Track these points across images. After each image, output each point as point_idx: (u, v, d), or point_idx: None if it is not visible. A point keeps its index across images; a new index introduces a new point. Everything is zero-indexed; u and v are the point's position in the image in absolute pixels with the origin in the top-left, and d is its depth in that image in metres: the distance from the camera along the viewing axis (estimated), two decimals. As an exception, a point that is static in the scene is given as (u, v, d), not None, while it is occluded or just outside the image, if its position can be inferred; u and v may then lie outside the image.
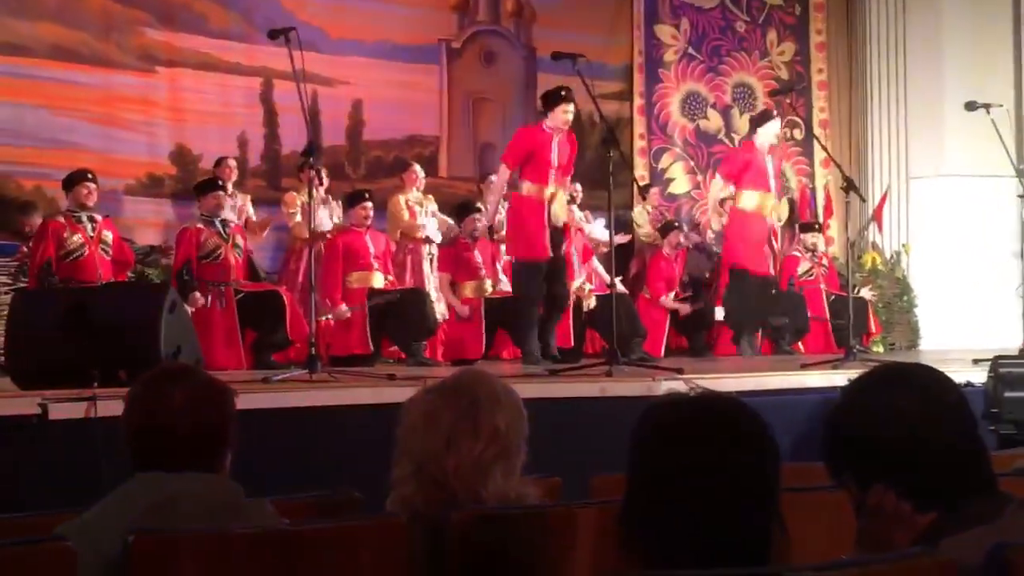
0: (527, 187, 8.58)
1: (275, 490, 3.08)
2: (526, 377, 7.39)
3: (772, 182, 10.05)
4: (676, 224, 11.96)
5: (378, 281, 9.60)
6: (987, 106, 9.41)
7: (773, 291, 10.32)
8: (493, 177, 10.42)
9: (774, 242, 10.26)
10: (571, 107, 8.48)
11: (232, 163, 10.30)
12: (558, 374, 7.56)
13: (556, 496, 3.30)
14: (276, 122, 11.22)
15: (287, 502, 3.06)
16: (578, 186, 10.63)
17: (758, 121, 10.25)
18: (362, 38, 11.83)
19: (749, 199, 9.99)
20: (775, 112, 10.78)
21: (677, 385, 6.75)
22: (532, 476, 2.83)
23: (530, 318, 8.59)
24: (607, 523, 2.70)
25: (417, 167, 10.65)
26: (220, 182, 9.45)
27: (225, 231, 9.12)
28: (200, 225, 9.06)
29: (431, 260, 10.31)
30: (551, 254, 8.48)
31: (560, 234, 8.62)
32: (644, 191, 11.89)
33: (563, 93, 8.49)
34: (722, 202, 10.48)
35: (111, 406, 5.04)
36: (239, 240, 9.20)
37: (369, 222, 9.64)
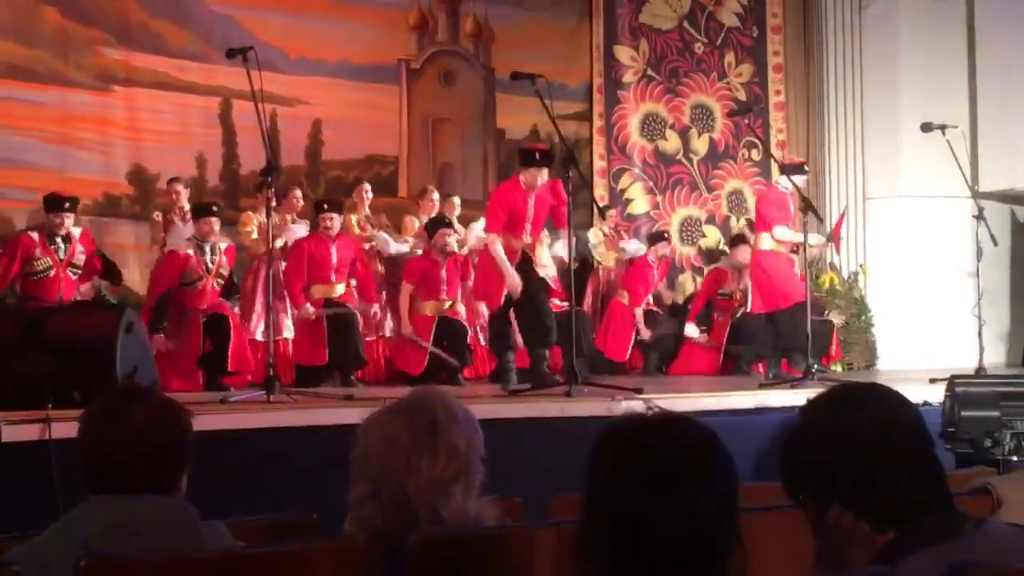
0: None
1: (231, 512, 3.05)
2: (486, 397, 7.38)
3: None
4: (666, 236, 12.03)
5: (339, 291, 9.57)
6: (942, 127, 9.49)
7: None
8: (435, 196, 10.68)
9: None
10: (544, 173, 8.21)
11: (180, 187, 10.00)
12: (517, 394, 7.55)
13: (517, 516, 3.29)
14: (235, 142, 11.18)
15: (243, 524, 3.03)
16: None
17: (792, 170, 9.82)
18: (321, 58, 11.82)
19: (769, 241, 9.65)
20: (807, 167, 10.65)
21: (636, 405, 6.76)
22: (492, 496, 2.81)
23: (505, 364, 8.56)
24: (566, 543, 2.69)
25: (367, 185, 10.63)
26: (215, 207, 9.34)
27: (212, 260, 9.07)
28: (189, 251, 9.02)
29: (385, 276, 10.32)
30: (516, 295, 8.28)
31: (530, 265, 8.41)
32: (603, 211, 11.93)
33: (538, 156, 8.32)
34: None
35: (65, 428, 4.98)
36: (224, 268, 9.17)
37: (332, 232, 9.58)
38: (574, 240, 7.99)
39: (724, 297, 11.66)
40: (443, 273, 9.86)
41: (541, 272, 8.35)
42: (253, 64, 6.91)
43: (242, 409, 6.30)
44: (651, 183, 13.44)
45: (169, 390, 7.80)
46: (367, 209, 10.58)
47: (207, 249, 9.08)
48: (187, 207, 9.76)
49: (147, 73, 10.92)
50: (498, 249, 8.25)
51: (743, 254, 10.92)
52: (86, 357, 5.96)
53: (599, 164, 13.25)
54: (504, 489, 2.94)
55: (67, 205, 8.49)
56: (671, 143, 13.59)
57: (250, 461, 5.62)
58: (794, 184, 9.16)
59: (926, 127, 9.65)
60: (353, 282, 9.71)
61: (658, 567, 1.85)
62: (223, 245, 9.19)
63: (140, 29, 10.99)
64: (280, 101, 11.05)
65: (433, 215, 10.36)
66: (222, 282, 9.14)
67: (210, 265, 9.06)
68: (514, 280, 8.19)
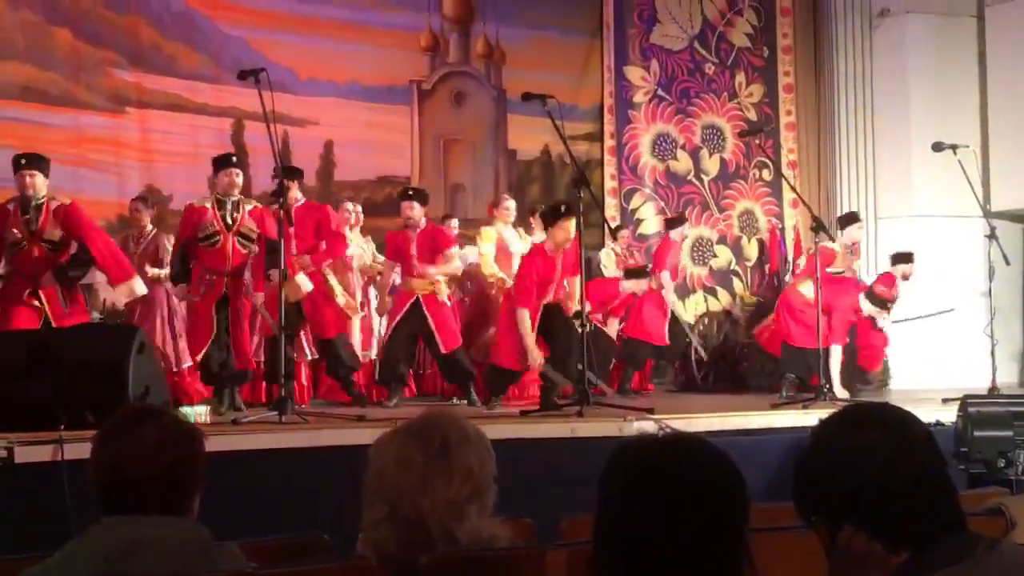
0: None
1: (243, 533, 3.05)
2: (497, 418, 7.38)
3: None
4: (685, 219, 12.03)
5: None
6: (954, 147, 9.48)
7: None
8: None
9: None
10: (573, 224, 8.08)
11: (141, 206, 9.55)
12: (528, 415, 7.55)
13: (527, 537, 3.28)
14: (247, 163, 11.21)
15: (256, 545, 3.03)
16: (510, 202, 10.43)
17: (845, 222, 10.12)
18: (333, 78, 11.87)
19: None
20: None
21: (647, 425, 6.75)
22: (503, 517, 2.81)
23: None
24: (577, 565, 2.69)
25: (349, 204, 10.33)
26: (235, 158, 8.46)
27: (232, 216, 8.17)
28: (207, 205, 8.23)
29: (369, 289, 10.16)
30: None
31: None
32: (615, 232, 11.94)
33: (563, 209, 8.27)
34: None
35: (78, 448, 5.00)
36: (248, 227, 8.19)
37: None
38: (583, 259, 8.01)
39: None
40: (412, 248, 9.26)
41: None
42: (264, 85, 6.94)
43: (254, 430, 6.31)
44: (662, 203, 13.45)
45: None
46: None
47: (228, 204, 8.20)
48: (149, 227, 9.47)
49: (159, 95, 10.97)
50: (526, 325, 8.30)
51: None
52: (98, 378, 5.98)
53: (610, 184, 13.27)
54: (515, 510, 2.93)
55: (234, 160, 8.32)
56: (682, 163, 13.61)
57: (262, 482, 5.62)
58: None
59: (937, 147, 9.65)
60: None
61: None
62: (248, 206, 8.29)
63: (152, 51, 11.05)
64: (292, 122, 11.10)
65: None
66: (246, 243, 8.18)
67: (229, 221, 8.17)
68: (534, 355, 8.27)
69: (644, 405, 8.00)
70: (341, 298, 9.33)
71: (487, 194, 12.72)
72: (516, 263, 9.40)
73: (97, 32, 10.83)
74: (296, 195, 8.87)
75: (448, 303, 9.32)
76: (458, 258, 9.53)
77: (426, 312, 8.93)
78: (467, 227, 11.76)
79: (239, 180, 8.27)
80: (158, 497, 2.65)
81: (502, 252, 9.95)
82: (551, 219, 8.35)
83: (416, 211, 9.19)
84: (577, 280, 8.14)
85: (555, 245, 8.31)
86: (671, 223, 11.49)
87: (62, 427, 5.48)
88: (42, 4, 10.64)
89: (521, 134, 12.76)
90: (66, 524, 4.53)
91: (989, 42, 12.93)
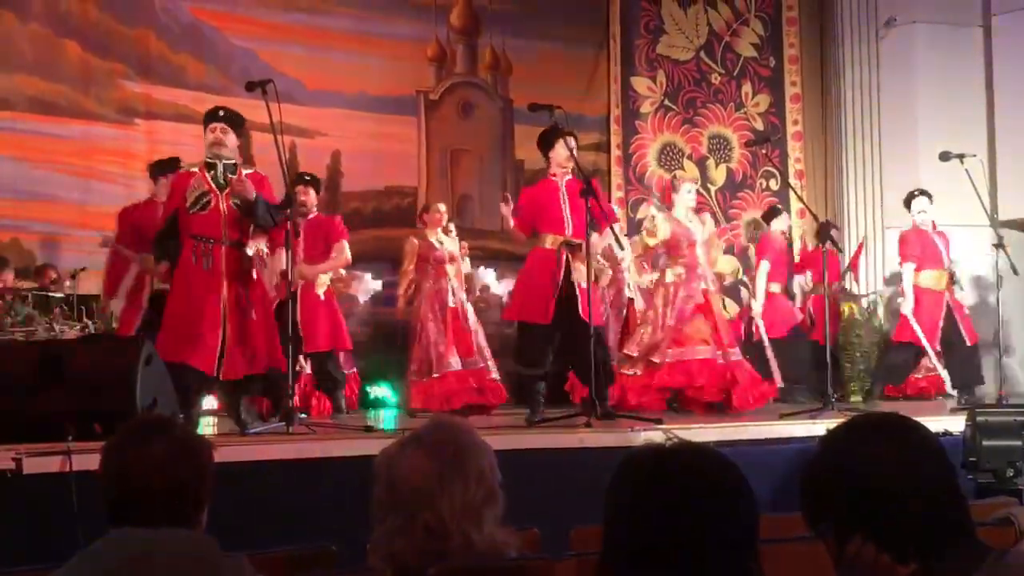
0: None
1: (251, 544, 3.05)
2: (505, 429, 7.37)
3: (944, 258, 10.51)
4: (781, 210, 11.93)
5: None
6: (961, 156, 9.47)
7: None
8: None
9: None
10: (567, 140, 8.11)
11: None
12: (536, 425, 7.54)
13: (534, 547, 3.28)
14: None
15: (264, 557, 3.03)
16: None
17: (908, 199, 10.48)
18: (340, 89, 11.89)
19: (926, 277, 10.37)
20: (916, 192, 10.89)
21: (656, 436, 6.74)
22: (509, 527, 2.81)
23: (531, 389, 8.19)
24: (587, 575, 2.69)
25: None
26: (223, 112, 7.50)
27: (223, 175, 7.29)
28: (194, 169, 7.44)
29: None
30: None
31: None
32: (621, 243, 11.89)
33: (552, 129, 8.20)
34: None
35: (86, 460, 5.01)
36: (242, 188, 7.24)
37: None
38: (590, 267, 7.99)
39: None
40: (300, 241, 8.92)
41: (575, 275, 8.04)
42: (272, 96, 6.92)
43: (262, 441, 6.31)
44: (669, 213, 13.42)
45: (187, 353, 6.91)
46: None
47: (219, 166, 7.31)
48: None
49: (167, 106, 11.00)
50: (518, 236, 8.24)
51: None
52: (106, 389, 5.99)
53: (617, 194, 13.26)
54: (523, 520, 2.94)
55: (221, 114, 7.45)
56: (689, 173, 13.60)
57: (270, 492, 5.62)
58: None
59: (944, 156, 9.63)
60: None
61: None
62: (247, 171, 7.49)
63: (160, 62, 11.08)
64: (299, 133, 11.12)
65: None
66: (238, 204, 7.24)
67: (222, 181, 7.27)
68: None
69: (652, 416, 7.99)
70: None
71: (494, 204, 12.72)
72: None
73: (105, 44, 10.86)
74: (312, 200, 8.91)
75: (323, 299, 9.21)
76: (347, 252, 9.31)
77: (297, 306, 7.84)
78: (476, 238, 11.79)
79: (229, 139, 7.40)
80: (166, 509, 2.65)
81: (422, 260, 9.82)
82: (546, 143, 8.28)
83: (311, 197, 9.13)
84: (612, 230, 8.05)
85: (557, 166, 8.24)
86: (769, 215, 11.54)
87: (70, 438, 5.49)
88: (50, 17, 10.68)
89: (528, 144, 12.72)
90: (74, 535, 4.53)
91: (996, 51, 12.91)
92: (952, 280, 10.48)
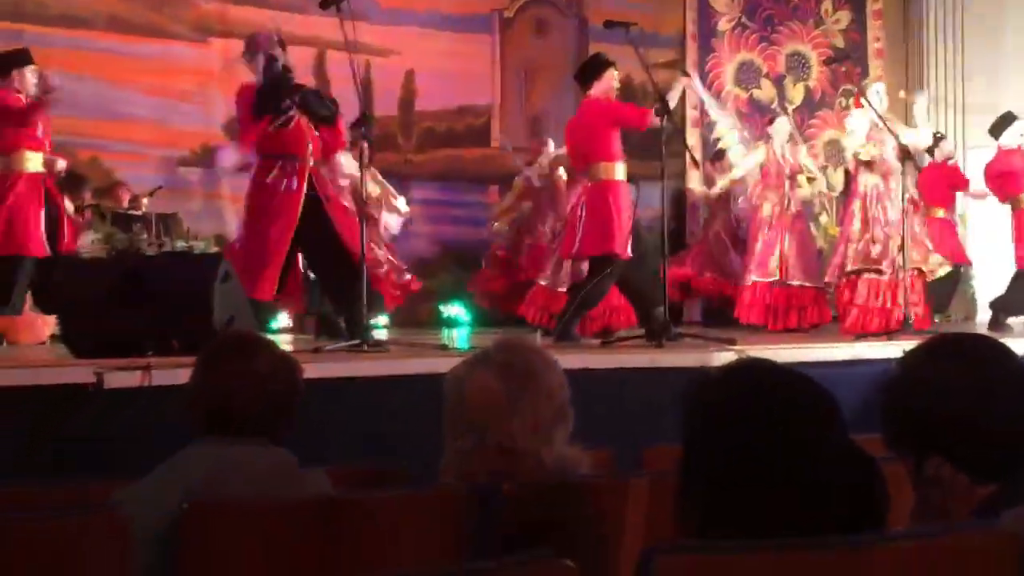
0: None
1: (323, 461, 3.09)
2: (576, 348, 7.38)
3: None
4: (942, 135, 11.58)
5: None
6: (1047, 74, 9.25)
7: None
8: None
9: None
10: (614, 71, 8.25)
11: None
12: (608, 345, 7.54)
13: (608, 467, 3.29)
14: (329, 93, 11.21)
15: (340, 471, 3.07)
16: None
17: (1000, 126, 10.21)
18: (413, 7, 11.81)
19: None
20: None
21: (729, 357, 6.71)
22: (579, 446, 2.82)
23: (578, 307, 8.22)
24: (659, 493, 2.69)
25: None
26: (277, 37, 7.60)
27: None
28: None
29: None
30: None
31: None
32: (696, 161, 11.78)
33: (601, 59, 8.29)
34: None
35: (165, 375, 5.09)
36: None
37: None
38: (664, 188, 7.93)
39: None
40: None
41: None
42: (346, 14, 6.91)
43: (337, 359, 6.37)
44: (745, 132, 13.26)
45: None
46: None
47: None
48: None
49: (243, 24, 10.97)
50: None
51: None
52: (184, 307, 6.06)
53: (692, 114, 13.10)
54: (595, 440, 2.94)
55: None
56: (766, 92, 13.40)
57: (345, 410, 5.67)
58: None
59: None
60: None
61: (783, 517, 1.83)
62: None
63: (235, -20, 11.07)
64: (373, 51, 11.07)
65: None
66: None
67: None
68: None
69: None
70: None
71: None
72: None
73: (181, -38, 10.87)
74: None
75: None
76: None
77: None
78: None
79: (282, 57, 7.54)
80: (260, 422, 2.71)
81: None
82: (593, 73, 8.32)
83: None
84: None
85: (603, 94, 8.29)
86: (997, 127, 10.84)
87: (150, 353, 5.59)
88: (125, -66, 10.69)
89: (603, 63, 12.61)
90: (151, 448, 4.61)
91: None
92: None
